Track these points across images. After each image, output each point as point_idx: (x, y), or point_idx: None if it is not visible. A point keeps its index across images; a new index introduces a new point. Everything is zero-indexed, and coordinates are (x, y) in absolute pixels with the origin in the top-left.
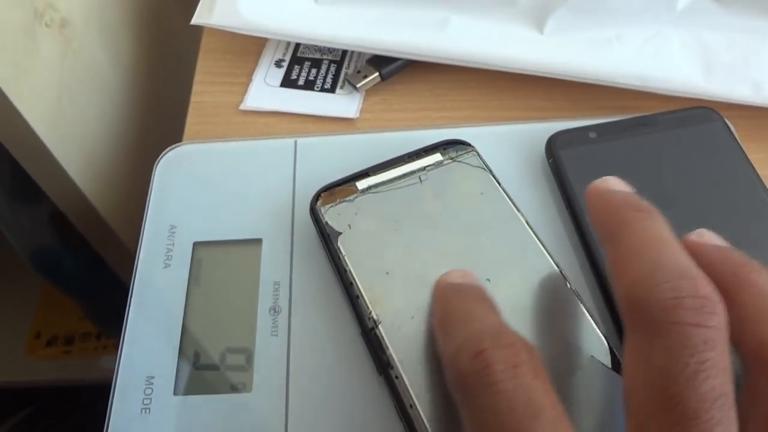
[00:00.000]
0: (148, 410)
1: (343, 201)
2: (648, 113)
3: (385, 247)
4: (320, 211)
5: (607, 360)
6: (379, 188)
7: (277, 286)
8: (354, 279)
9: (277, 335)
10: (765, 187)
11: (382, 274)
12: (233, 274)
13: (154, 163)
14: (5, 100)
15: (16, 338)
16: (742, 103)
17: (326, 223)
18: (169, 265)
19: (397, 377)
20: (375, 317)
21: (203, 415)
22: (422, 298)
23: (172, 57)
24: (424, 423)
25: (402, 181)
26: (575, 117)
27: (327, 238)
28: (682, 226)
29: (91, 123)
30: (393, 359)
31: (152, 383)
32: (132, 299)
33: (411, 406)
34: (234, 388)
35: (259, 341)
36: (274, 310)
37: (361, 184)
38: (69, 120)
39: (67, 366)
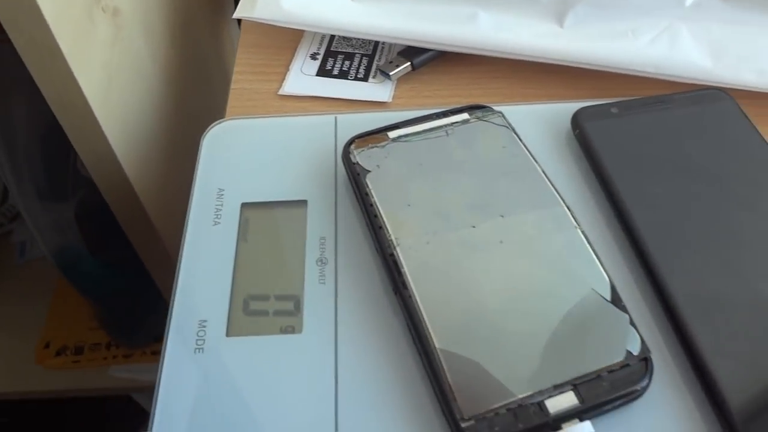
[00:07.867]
0: (201, 350)
1: (374, 146)
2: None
3: (409, 184)
4: (353, 153)
5: (607, 294)
6: (409, 138)
7: (323, 241)
8: (378, 210)
9: (324, 283)
10: None
11: (404, 206)
12: (280, 231)
13: (186, 151)
14: (68, 70)
15: (25, 348)
16: (747, 88)
17: (357, 162)
18: (219, 222)
19: (410, 296)
20: (394, 240)
21: (255, 354)
22: (438, 226)
23: (197, 57)
24: (431, 337)
25: (430, 133)
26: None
27: (356, 176)
28: (696, 192)
29: (133, 108)
30: (407, 279)
31: (205, 326)
32: (183, 251)
33: (421, 322)
34: (284, 330)
35: (308, 288)
36: (321, 261)
37: (393, 134)
38: (115, 101)
39: (77, 376)
